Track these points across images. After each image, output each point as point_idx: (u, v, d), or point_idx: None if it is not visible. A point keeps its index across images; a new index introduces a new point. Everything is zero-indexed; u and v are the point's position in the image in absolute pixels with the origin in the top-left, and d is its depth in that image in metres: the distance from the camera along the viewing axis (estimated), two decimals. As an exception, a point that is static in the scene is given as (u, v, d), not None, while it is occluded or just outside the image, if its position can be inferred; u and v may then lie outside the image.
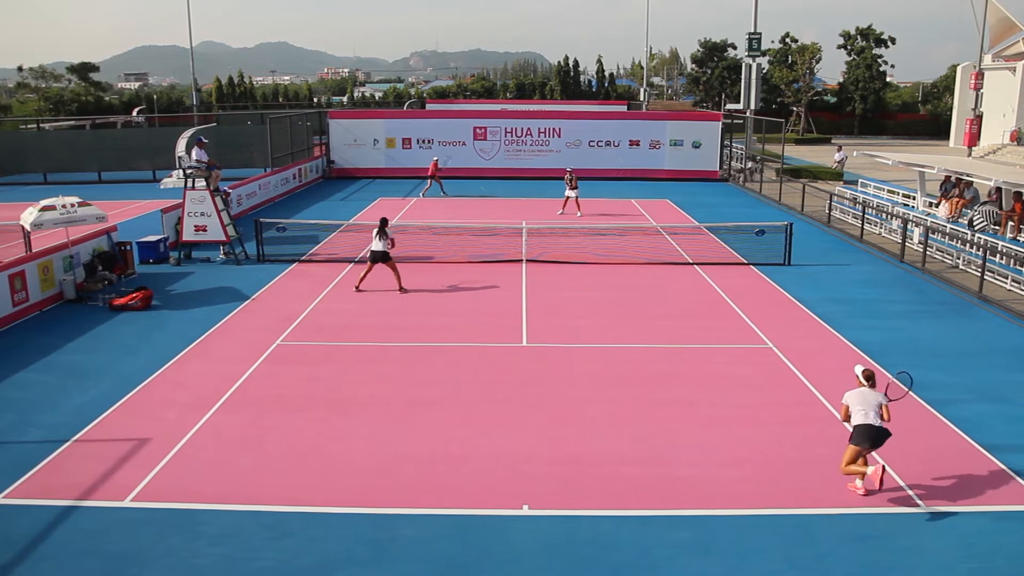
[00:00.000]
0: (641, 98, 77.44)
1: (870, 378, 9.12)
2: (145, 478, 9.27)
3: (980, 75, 39.61)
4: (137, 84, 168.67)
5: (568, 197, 27.07)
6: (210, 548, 7.94)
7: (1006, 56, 49.04)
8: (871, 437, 8.71)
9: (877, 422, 8.76)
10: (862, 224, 24.03)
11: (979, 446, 10.14)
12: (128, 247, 19.23)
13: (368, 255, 17.38)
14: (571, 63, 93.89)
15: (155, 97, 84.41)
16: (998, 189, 20.59)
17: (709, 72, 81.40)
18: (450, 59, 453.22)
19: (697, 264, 20.10)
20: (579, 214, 26.79)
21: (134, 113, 62.97)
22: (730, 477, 9.37)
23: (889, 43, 72.71)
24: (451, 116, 41.56)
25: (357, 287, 17.38)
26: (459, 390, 12.02)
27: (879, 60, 72.97)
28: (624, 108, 64.59)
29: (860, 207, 24.90)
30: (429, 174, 32.35)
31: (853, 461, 8.78)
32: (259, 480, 9.28)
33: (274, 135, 34.47)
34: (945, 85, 76.97)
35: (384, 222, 17.34)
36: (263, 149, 34.66)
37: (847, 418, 9.05)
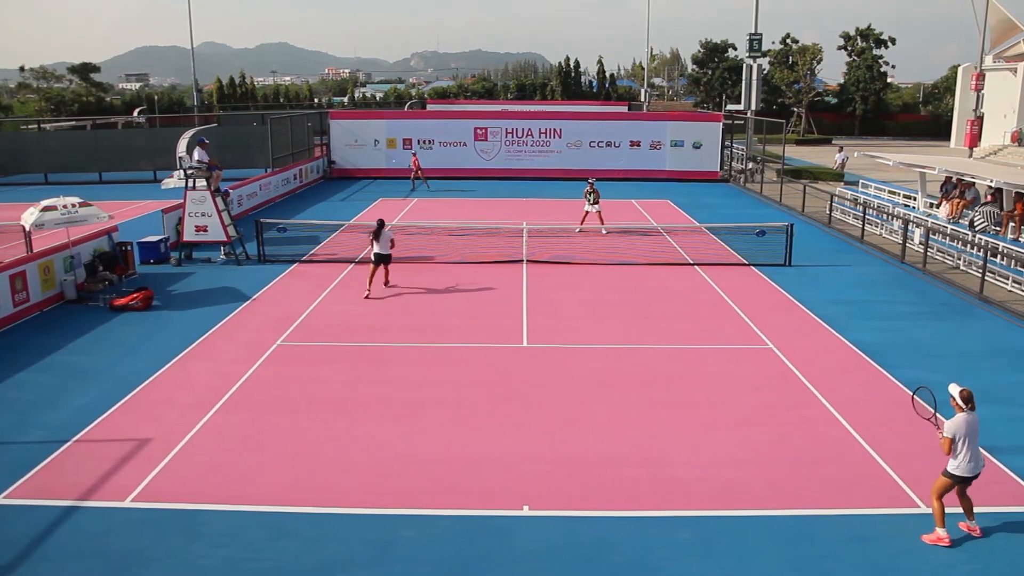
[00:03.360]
0: (642, 99, 77.45)
1: (968, 400, 7.99)
2: (146, 479, 9.28)
3: (981, 76, 39.63)
4: (138, 85, 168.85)
5: (588, 212, 23.48)
6: (211, 549, 7.94)
7: (1007, 57, 49.08)
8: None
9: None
10: (863, 225, 24.02)
11: (979, 447, 10.11)
12: (129, 247, 19.24)
13: (372, 258, 17.17)
14: (572, 64, 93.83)
15: (156, 98, 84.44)
16: (998, 190, 20.58)
17: (710, 73, 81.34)
18: (451, 60, 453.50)
19: (698, 265, 20.10)
20: (604, 231, 23.47)
21: (135, 114, 63.00)
22: (730, 478, 9.37)
23: (889, 44, 72.73)
24: (452, 117, 41.60)
25: (368, 295, 16.91)
26: (460, 391, 12.02)
27: (879, 61, 72.97)
28: (625, 109, 64.53)
29: (861, 208, 24.89)
30: (414, 173, 34.13)
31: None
32: (260, 481, 9.28)
33: (275, 136, 34.48)
34: (946, 86, 76.90)
35: (380, 224, 17.14)
36: (264, 150, 34.68)
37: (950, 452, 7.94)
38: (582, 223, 23.71)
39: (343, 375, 12.68)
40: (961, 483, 7.98)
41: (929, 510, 8.39)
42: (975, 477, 7.96)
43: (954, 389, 8.08)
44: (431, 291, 17.55)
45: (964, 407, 7.92)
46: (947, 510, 8.08)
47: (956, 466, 7.89)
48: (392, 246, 17.26)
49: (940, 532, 7.98)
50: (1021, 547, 8.01)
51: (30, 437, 10.42)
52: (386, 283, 17.61)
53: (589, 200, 23.52)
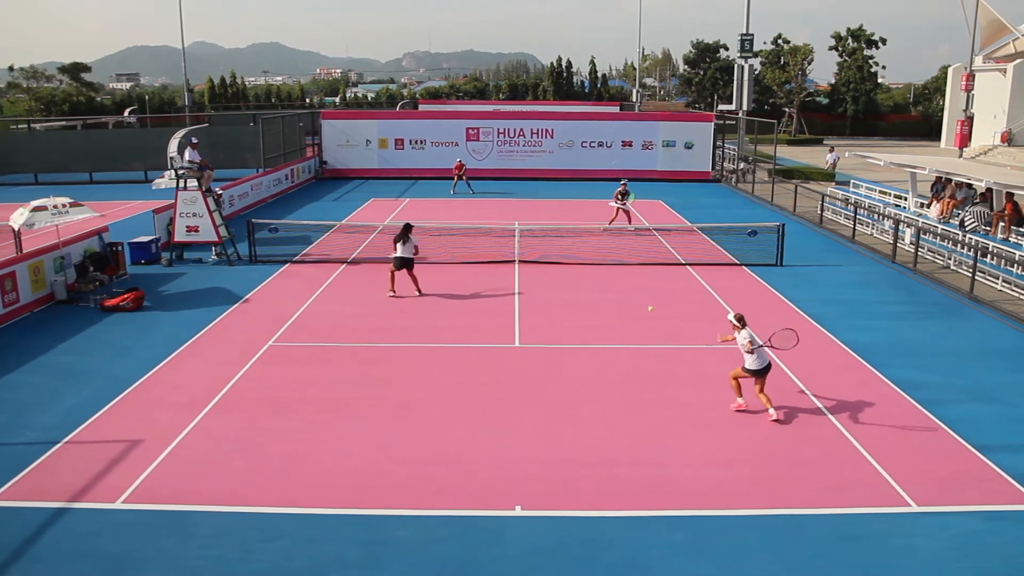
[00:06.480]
0: (634, 99, 77.59)
1: (741, 319, 10.98)
2: (137, 479, 9.24)
3: (971, 76, 39.89)
4: (129, 84, 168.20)
5: (619, 209, 24.33)
6: (202, 550, 7.91)
7: (996, 57, 49.31)
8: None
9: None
10: (854, 225, 24.11)
11: (971, 446, 10.18)
12: (120, 248, 19.15)
13: (393, 261, 17.09)
14: (564, 64, 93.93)
15: (147, 97, 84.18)
16: (988, 189, 20.69)
17: (701, 73, 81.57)
18: (443, 60, 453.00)
19: (690, 265, 20.13)
20: (632, 229, 24.21)
21: (126, 113, 62.71)
22: (723, 477, 9.39)
23: (880, 44, 73.14)
24: (444, 117, 41.59)
25: (392, 292, 17.10)
26: (452, 391, 12.01)
27: (870, 61, 73.33)
28: (617, 109, 64.68)
29: (852, 208, 24.98)
30: (457, 173, 33.39)
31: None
32: (252, 481, 9.25)
33: (266, 136, 34.38)
34: (936, 86, 77.39)
35: (408, 228, 17.14)
36: (255, 150, 34.58)
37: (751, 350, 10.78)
38: (611, 222, 24.23)
39: (335, 375, 12.65)
40: (756, 375, 10.83)
41: (922, 509, 8.59)
42: (766, 369, 10.84)
43: (730, 315, 11.10)
44: (423, 291, 17.50)
45: (741, 325, 10.81)
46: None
47: (752, 362, 10.80)
48: (415, 252, 17.19)
49: (740, 401, 11.21)
50: (1014, 546, 8.05)
51: (21, 438, 10.36)
52: (417, 291, 17.11)
53: (619, 200, 24.13)
